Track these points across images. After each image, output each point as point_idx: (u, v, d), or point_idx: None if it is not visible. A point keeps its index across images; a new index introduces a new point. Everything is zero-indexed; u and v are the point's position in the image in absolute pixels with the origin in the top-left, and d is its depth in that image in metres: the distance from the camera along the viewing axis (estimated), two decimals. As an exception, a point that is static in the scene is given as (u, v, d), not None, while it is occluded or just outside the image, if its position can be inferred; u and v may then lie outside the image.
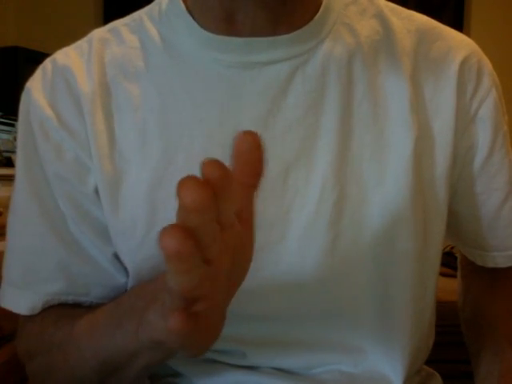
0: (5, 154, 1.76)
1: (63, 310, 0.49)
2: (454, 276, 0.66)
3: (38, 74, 0.50)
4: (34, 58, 0.51)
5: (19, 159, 0.50)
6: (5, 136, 1.82)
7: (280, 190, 0.46)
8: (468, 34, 0.52)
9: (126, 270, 0.49)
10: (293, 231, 0.46)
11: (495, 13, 2.43)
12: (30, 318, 0.50)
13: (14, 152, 1.88)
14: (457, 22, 2.44)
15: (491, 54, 0.53)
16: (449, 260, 0.54)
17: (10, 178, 0.52)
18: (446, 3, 2.48)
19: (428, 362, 0.56)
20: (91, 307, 0.50)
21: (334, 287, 0.46)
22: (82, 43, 0.50)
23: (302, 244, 0.46)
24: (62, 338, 0.46)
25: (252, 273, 0.46)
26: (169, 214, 0.45)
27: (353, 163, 0.46)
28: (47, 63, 0.50)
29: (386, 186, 0.46)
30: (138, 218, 0.46)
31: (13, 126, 2.08)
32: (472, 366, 0.56)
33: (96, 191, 0.47)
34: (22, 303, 0.49)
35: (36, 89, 0.49)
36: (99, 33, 0.50)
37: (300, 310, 0.47)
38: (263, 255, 0.46)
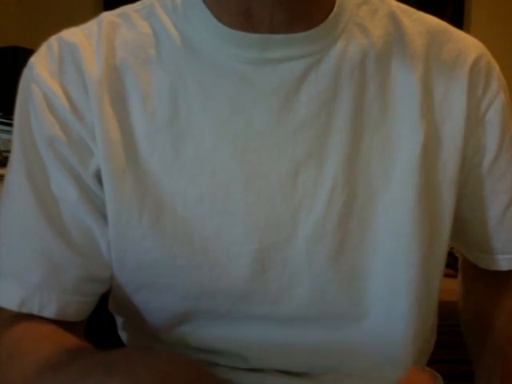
0: (5, 154, 1.76)
1: (42, 329, 0.45)
2: (454, 276, 0.66)
3: (43, 51, 0.48)
4: (34, 58, 0.50)
5: (15, 137, 0.47)
6: (5, 136, 1.82)
7: (289, 189, 0.45)
8: (468, 33, 0.52)
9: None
10: (301, 231, 0.45)
11: (495, 12, 2.42)
12: (9, 325, 0.46)
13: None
14: (457, 21, 2.44)
15: (491, 54, 0.53)
16: (449, 260, 0.54)
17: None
18: (446, 2, 2.47)
19: (428, 363, 0.56)
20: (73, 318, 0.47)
21: (340, 288, 0.46)
22: (90, 25, 0.49)
23: (310, 244, 0.45)
24: (29, 363, 0.42)
25: (258, 273, 0.46)
26: (177, 204, 0.45)
27: (362, 164, 0.46)
28: (53, 40, 0.48)
29: (392, 187, 0.46)
30: (145, 207, 0.45)
31: (13, 125, 2.07)
32: (473, 368, 0.56)
33: (96, 175, 0.46)
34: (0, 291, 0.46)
35: (41, 64, 0.47)
36: (109, 16, 0.49)
37: (304, 312, 0.47)
38: (270, 255, 0.45)
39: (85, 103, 0.45)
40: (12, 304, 0.45)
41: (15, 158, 0.47)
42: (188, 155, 0.45)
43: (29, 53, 0.50)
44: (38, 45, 0.49)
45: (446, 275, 0.57)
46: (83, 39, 0.47)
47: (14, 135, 0.48)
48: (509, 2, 2.43)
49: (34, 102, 0.46)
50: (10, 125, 2.00)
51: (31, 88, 0.46)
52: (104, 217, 0.46)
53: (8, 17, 2.33)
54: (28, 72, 0.47)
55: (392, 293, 0.47)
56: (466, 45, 0.50)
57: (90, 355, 0.39)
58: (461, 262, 0.64)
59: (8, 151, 1.88)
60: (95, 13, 0.50)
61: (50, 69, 0.46)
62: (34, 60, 0.48)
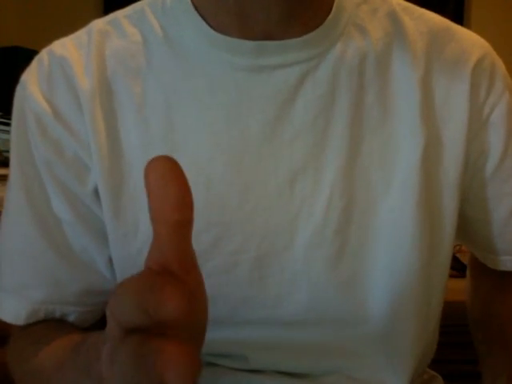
0: (5, 154, 1.76)
1: (46, 331, 0.47)
2: (456, 276, 0.66)
3: (34, 66, 0.47)
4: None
5: (13, 156, 0.48)
6: (5, 136, 1.82)
7: (287, 197, 0.45)
8: (468, 33, 0.52)
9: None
10: (299, 239, 0.45)
11: (495, 12, 2.42)
12: (19, 333, 0.49)
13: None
14: (457, 20, 2.44)
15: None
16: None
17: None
18: (446, 1, 2.47)
19: (429, 363, 0.56)
20: (75, 325, 0.49)
21: (338, 295, 0.46)
22: (80, 34, 0.48)
23: (308, 252, 0.45)
24: (35, 368, 0.45)
25: (257, 280, 0.45)
26: None
27: (361, 170, 0.45)
28: (43, 54, 0.48)
29: (393, 193, 0.46)
30: (140, 221, 0.45)
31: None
32: (480, 367, 0.56)
33: (96, 191, 0.46)
34: (5, 308, 0.48)
35: (32, 81, 0.46)
36: (99, 24, 0.48)
37: (304, 316, 0.47)
38: (268, 263, 0.45)
39: (78, 119, 0.45)
40: (18, 319, 0.47)
41: (14, 177, 0.47)
42: (183, 166, 0.45)
43: (29, 53, 0.50)
44: (38, 45, 0.49)
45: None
46: (73, 51, 0.47)
47: (11, 154, 0.48)
48: (509, 1, 2.42)
49: (29, 126, 0.46)
50: (10, 125, 2.00)
51: (24, 109, 0.46)
52: (101, 235, 0.47)
53: (8, 17, 2.33)
54: (21, 90, 0.47)
55: (393, 298, 0.47)
56: (470, 44, 0.49)
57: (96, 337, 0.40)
58: (469, 259, 0.64)
59: (8, 151, 1.88)
60: (95, 12, 0.50)
61: (41, 86, 0.46)
62: (25, 77, 0.47)
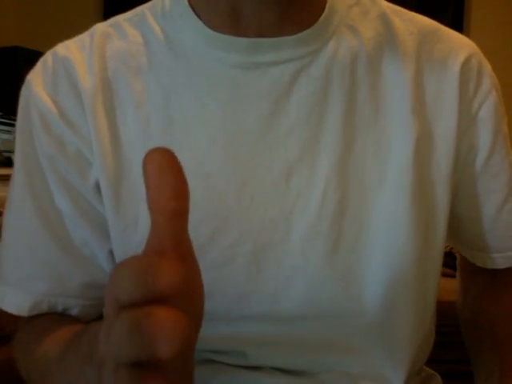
0: (5, 154, 1.76)
1: (49, 324, 0.48)
2: (454, 276, 0.66)
3: (39, 67, 0.49)
4: (34, 58, 0.51)
5: (17, 153, 0.49)
6: (5, 136, 1.83)
7: (282, 191, 0.46)
8: (468, 34, 0.53)
9: None
10: (295, 232, 0.46)
11: (495, 13, 2.43)
12: (24, 326, 0.50)
13: (14, 152, 1.87)
14: (457, 22, 2.45)
15: (491, 55, 0.53)
16: (448, 260, 0.55)
17: (10, 178, 0.51)
18: (445, 3, 2.48)
19: (428, 362, 0.56)
20: (78, 318, 0.50)
21: (335, 288, 0.47)
22: (83, 37, 0.50)
23: (304, 245, 0.46)
24: (39, 359, 0.46)
25: (254, 274, 0.46)
26: None
27: (355, 164, 0.46)
28: (48, 56, 0.50)
29: (386, 187, 0.47)
30: (140, 214, 0.46)
31: (13, 125, 2.08)
32: (472, 366, 0.56)
33: (97, 186, 0.47)
34: (9, 300, 0.49)
35: (36, 81, 0.48)
36: (101, 27, 0.50)
37: (302, 311, 0.47)
38: (265, 256, 0.46)
39: (80, 116, 0.47)
40: (22, 311, 0.49)
41: (17, 173, 0.49)
42: (182, 161, 0.46)
43: (29, 53, 0.51)
44: (38, 45, 0.50)
45: (446, 275, 0.57)
46: (76, 53, 0.48)
47: (16, 151, 0.49)
48: (509, 2, 2.43)
49: (34, 123, 0.47)
50: (10, 125, 2.00)
51: (29, 107, 0.48)
52: (102, 229, 0.48)
53: (8, 17, 2.34)
54: (26, 90, 0.49)
55: (389, 292, 0.47)
56: (458, 44, 0.51)
57: (97, 326, 0.41)
58: (459, 259, 0.64)
59: (8, 151, 1.88)
60: (95, 12, 0.51)
61: (45, 85, 0.48)
62: (30, 78, 0.49)
